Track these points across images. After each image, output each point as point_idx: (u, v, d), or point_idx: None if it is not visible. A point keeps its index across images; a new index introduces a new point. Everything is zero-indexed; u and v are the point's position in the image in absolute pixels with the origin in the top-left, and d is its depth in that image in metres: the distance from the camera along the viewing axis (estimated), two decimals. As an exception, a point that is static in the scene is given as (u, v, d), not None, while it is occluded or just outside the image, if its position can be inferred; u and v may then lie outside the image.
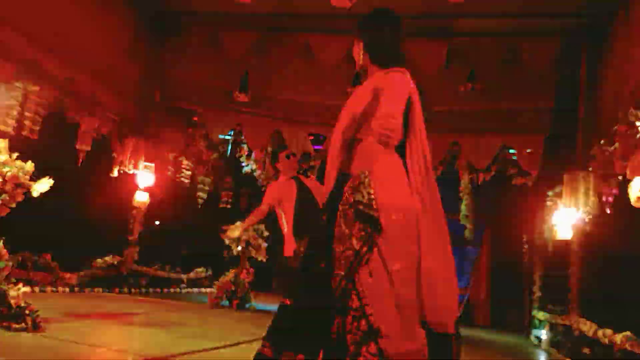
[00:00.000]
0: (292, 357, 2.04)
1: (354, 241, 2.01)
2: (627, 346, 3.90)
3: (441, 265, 2.06)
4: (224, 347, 3.96)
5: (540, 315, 7.67)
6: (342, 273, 2.01)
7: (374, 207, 1.98)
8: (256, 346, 4.36)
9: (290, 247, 4.65)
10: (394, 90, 2.10)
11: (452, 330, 2.09)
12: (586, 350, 5.17)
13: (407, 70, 2.23)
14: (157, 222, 9.43)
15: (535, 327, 7.93)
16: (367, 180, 2.03)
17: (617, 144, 4.49)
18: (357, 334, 1.94)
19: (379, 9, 2.37)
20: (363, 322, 1.94)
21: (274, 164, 5.04)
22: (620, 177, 4.82)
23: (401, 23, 2.34)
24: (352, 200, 2.03)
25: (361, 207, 2.00)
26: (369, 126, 2.11)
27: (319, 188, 4.70)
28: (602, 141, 5.39)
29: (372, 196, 1.99)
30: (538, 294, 8.40)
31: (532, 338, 8.00)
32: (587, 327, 5.06)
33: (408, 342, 1.96)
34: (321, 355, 2.08)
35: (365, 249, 1.99)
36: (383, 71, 2.24)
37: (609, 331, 4.45)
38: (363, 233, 2.00)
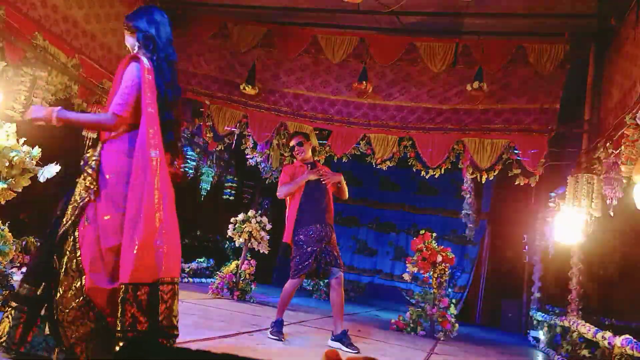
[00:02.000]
0: (29, 287, 2.54)
1: (78, 194, 2.59)
2: (627, 349, 3.91)
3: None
4: (225, 337, 3.99)
5: (539, 315, 7.70)
6: (67, 220, 2.58)
7: (96, 169, 2.59)
8: (256, 337, 4.42)
9: (289, 233, 4.57)
10: (125, 82, 2.63)
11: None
12: (584, 353, 5.18)
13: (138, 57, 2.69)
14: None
15: (533, 328, 7.96)
16: (97, 151, 2.65)
17: (623, 147, 4.49)
18: (71, 272, 2.49)
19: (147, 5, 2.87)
20: (74, 262, 2.50)
21: (291, 154, 4.97)
22: (625, 181, 4.82)
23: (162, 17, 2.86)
24: (86, 164, 2.65)
25: (87, 168, 2.61)
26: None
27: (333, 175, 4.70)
28: (607, 144, 5.39)
29: (97, 162, 2.60)
30: (537, 294, 8.43)
31: (530, 338, 8.03)
32: (586, 329, 5.08)
33: (105, 282, 2.46)
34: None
35: (85, 200, 2.56)
36: (129, 56, 2.72)
37: (608, 334, 4.45)
38: (85, 189, 2.57)
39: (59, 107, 2.63)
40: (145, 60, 2.69)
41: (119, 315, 2.37)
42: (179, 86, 2.90)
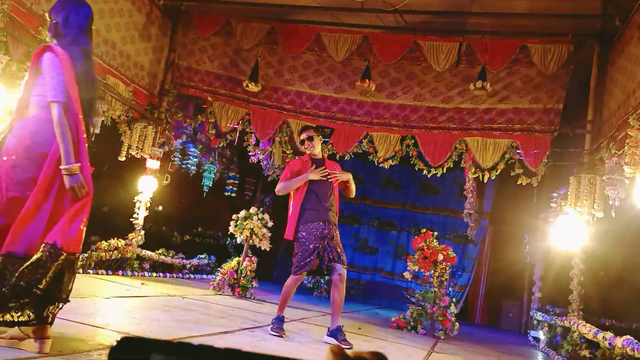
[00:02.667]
0: None
1: None
2: (628, 350, 3.91)
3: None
4: (225, 333, 4.00)
5: (539, 315, 7.70)
6: None
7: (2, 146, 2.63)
8: (257, 333, 4.42)
9: (291, 230, 4.54)
10: (50, 72, 2.65)
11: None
12: (585, 353, 5.19)
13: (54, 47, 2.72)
14: (160, 208, 9.48)
15: (533, 328, 7.97)
16: (4, 132, 2.68)
17: (626, 148, 4.48)
18: None
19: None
20: None
21: (294, 150, 4.90)
22: (627, 182, 4.82)
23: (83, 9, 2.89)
24: None
25: None
26: (29, 94, 2.73)
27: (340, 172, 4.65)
28: (610, 144, 5.38)
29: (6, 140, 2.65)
30: (537, 294, 8.42)
31: (530, 338, 8.03)
32: (587, 329, 5.08)
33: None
34: None
35: None
36: (45, 46, 2.77)
37: (609, 334, 4.45)
38: None
39: (67, 162, 2.59)
40: (58, 48, 2.72)
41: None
42: (94, 76, 2.93)
